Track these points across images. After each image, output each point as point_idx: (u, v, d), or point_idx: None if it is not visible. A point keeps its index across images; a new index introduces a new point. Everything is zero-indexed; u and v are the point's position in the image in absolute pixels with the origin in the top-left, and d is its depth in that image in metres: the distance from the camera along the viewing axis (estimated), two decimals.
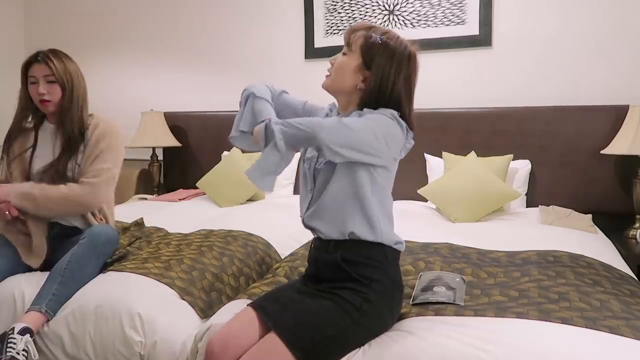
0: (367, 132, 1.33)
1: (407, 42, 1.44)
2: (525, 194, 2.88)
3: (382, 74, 1.39)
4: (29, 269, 1.89)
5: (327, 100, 1.56)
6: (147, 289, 1.69)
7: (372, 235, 1.38)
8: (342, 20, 3.37)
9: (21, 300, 1.73)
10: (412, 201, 2.95)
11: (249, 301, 1.50)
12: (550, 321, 1.36)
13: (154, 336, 1.54)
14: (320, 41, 3.44)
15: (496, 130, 2.96)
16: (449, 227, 2.49)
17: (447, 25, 3.14)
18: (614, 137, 2.66)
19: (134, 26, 4.03)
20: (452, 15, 3.12)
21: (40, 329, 1.62)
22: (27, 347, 1.53)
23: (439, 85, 3.15)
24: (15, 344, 1.51)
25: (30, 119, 2.02)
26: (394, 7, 3.24)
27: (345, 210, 1.38)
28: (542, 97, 2.97)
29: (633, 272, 2.02)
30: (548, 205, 2.80)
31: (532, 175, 2.90)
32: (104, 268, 1.86)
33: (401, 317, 1.46)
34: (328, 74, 1.47)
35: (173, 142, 3.67)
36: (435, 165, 2.99)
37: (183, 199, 3.31)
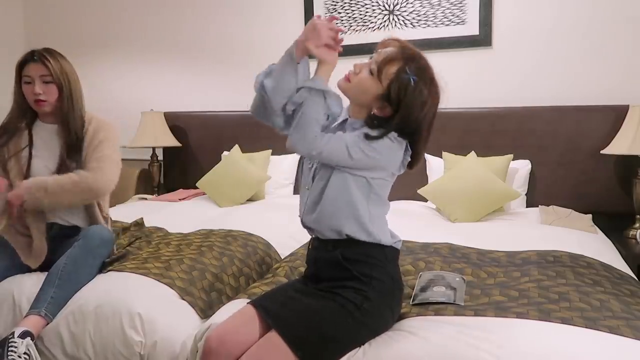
0: (367, 161, 1.34)
1: (439, 81, 1.36)
2: (525, 194, 2.88)
3: (409, 118, 1.32)
4: (28, 269, 1.88)
5: None
6: (147, 289, 1.69)
7: (367, 238, 1.39)
8: (342, 20, 3.37)
9: (21, 300, 1.73)
10: (412, 201, 2.95)
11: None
12: (550, 321, 1.36)
13: (154, 336, 1.54)
14: None
15: (496, 130, 2.96)
16: (449, 227, 2.49)
17: (447, 25, 3.14)
18: (614, 137, 2.65)
19: (134, 26, 4.03)
20: (452, 15, 3.12)
21: (40, 332, 1.61)
22: (28, 350, 1.52)
23: None
24: (16, 347, 1.50)
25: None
26: (394, 7, 3.24)
27: (340, 213, 1.38)
28: (542, 97, 2.97)
29: (633, 272, 2.02)
30: (548, 205, 2.80)
31: (532, 175, 2.90)
32: (103, 268, 1.85)
33: (401, 317, 1.46)
34: (348, 74, 1.40)
35: (173, 142, 3.67)
36: (435, 165, 2.99)
37: (183, 199, 3.31)
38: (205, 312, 1.68)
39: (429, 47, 3.15)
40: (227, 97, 3.76)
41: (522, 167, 2.87)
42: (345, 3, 3.35)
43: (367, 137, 1.33)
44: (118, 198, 3.59)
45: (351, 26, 3.35)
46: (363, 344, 1.34)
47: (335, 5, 3.38)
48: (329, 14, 3.40)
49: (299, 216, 1.50)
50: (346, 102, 1.48)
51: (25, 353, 1.51)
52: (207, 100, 3.83)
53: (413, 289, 1.61)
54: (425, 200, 2.92)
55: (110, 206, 3.06)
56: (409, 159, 1.41)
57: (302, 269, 1.81)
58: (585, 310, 1.42)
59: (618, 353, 1.23)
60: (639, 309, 1.47)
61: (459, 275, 1.69)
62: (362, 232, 1.38)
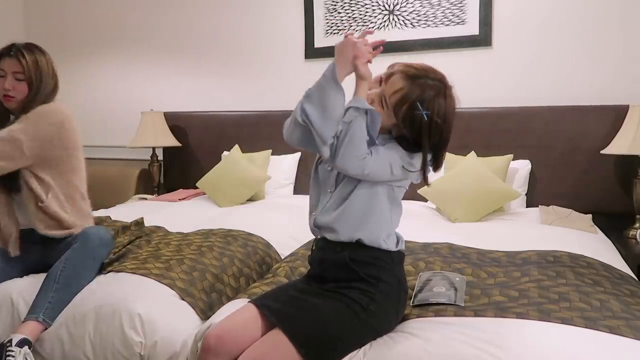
0: (403, 175, 1.38)
1: (451, 89, 1.36)
2: (525, 194, 2.88)
3: (432, 142, 1.35)
4: (25, 273, 1.86)
5: None
6: (147, 289, 1.69)
7: (378, 244, 1.39)
8: (342, 20, 3.37)
9: (18, 303, 1.73)
10: (412, 201, 2.94)
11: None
12: (550, 321, 1.36)
13: (154, 336, 1.54)
14: (320, 41, 3.44)
15: (496, 130, 2.96)
16: (449, 227, 2.49)
17: (447, 25, 3.14)
18: (614, 137, 2.65)
19: (134, 26, 4.03)
20: (452, 15, 3.12)
21: (38, 337, 1.60)
22: (26, 359, 1.51)
23: None
24: (14, 356, 1.49)
25: None
26: (394, 7, 3.24)
27: (363, 219, 1.39)
28: (542, 97, 2.97)
29: (633, 272, 2.02)
30: (548, 205, 2.80)
31: (532, 175, 2.90)
32: (103, 269, 1.84)
33: (402, 318, 1.46)
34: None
35: (173, 142, 3.67)
36: None
37: (183, 199, 3.31)
38: (206, 313, 1.67)
39: (429, 47, 3.16)
40: (227, 97, 3.76)
41: (522, 167, 2.87)
42: (345, 3, 3.35)
43: (406, 154, 1.37)
44: (118, 198, 3.60)
45: (351, 26, 3.35)
46: (364, 345, 1.34)
47: (335, 5, 3.38)
48: (328, 14, 3.40)
49: (313, 214, 1.48)
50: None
51: None
52: (207, 100, 3.83)
53: (413, 289, 1.61)
54: (425, 200, 2.93)
55: (110, 206, 3.09)
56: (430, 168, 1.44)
57: (303, 269, 1.81)
58: (585, 310, 1.42)
59: (618, 353, 1.23)
60: (639, 309, 1.47)
61: (459, 275, 1.69)
62: (376, 237, 1.39)
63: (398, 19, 3.24)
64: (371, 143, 1.34)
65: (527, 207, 2.87)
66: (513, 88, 3.05)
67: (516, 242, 2.13)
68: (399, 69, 1.36)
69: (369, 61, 1.37)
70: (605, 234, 2.49)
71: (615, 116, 2.73)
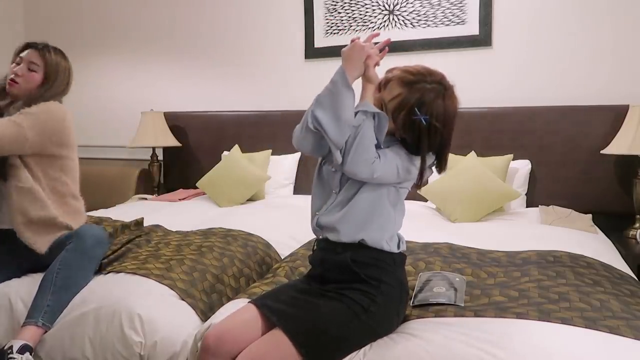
0: (408, 177, 1.39)
1: (451, 88, 1.37)
2: (525, 194, 2.88)
3: (435, 145, 1.36)
4: (24, 273, 1.85)
5: None
6: (147, 289, 1.69)
7: (380, 245, 1.40)
8: (342, 20, 3.37)
9: (17, 304, 1.72)
10: (412, 201, 2.94)
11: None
12: (550, 321, 1.36)
13: (154, 336, 1.54)
14: (320, 41, 3.44)
15: (496, 130, 2.96)
16: (449, 227, 2.49)
17: (447, 25, 3.14)
18: (614, 137, 2.65)
19: (134, 26, 4.03)
20: (452, 15, 3.12)
21: (38, 341, 1.59)
22: None
23: None
24: None
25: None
26: (393, 7, 3.24)
27: (367, 221, 1.39)
28: (542, 97, 2.97)
29: (633, 272, 2.02)
30: (548, 205, 2.80)
31: (532, 175, 2.90)
32: (102, 269, 1.83)
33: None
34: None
35: (173, 142, 3.67)
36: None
37: (183, 199, 3.31)
38: (206, 314, 1.67)
39: (429, 47, 3.16)
40: (227, 97, 3.76)
41: (522, 167, 2.87)
42: (345, 3, 3.35)
43: (410, 156, 1.37)
44: (118, 198, 3.60)
45: (351, 26, 3.35)
46: (364, 346, 1.34)
47: (335, 5, 3.38)
48: (329, 14, 3.40)
49: (316, 213, 1.47)
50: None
51: None
52: (207, 100, 3.83)
53: (413, 290, 1.61)
54: (425, 200, 2.93)
55: (111, 206, 3.09)
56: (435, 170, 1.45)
57: (303, 269, 1.81)
58: (585, 311, 1.42)
59: (618, 353, 1.23)
60: (639, 309, 1.47)
61: (459, 275, 1.69)
62: (379, 238, 1.39)
63: (398, 19, 3.24)
64: (377, 146, 1.34)
65: (527, 207, 2.87)
66: (513, 88, 3.05)
67: (516, 242, 2.13)
68: (397, 75, 1.37)
69: (377, 64, 1.39)
70: (605, 234, 2.49)
71: (615, 116, 2.73)
